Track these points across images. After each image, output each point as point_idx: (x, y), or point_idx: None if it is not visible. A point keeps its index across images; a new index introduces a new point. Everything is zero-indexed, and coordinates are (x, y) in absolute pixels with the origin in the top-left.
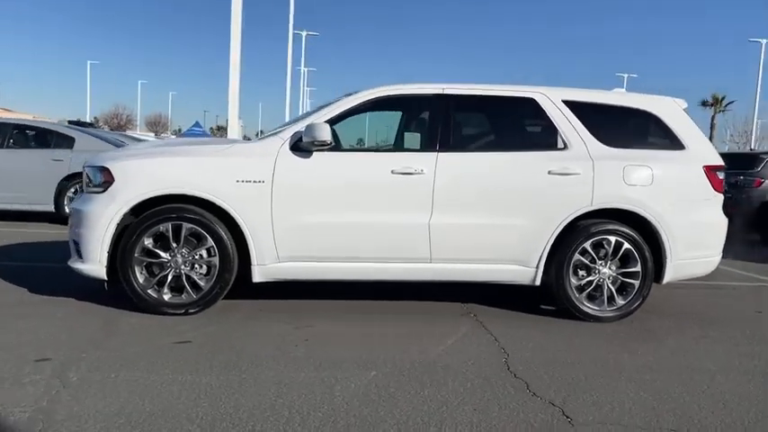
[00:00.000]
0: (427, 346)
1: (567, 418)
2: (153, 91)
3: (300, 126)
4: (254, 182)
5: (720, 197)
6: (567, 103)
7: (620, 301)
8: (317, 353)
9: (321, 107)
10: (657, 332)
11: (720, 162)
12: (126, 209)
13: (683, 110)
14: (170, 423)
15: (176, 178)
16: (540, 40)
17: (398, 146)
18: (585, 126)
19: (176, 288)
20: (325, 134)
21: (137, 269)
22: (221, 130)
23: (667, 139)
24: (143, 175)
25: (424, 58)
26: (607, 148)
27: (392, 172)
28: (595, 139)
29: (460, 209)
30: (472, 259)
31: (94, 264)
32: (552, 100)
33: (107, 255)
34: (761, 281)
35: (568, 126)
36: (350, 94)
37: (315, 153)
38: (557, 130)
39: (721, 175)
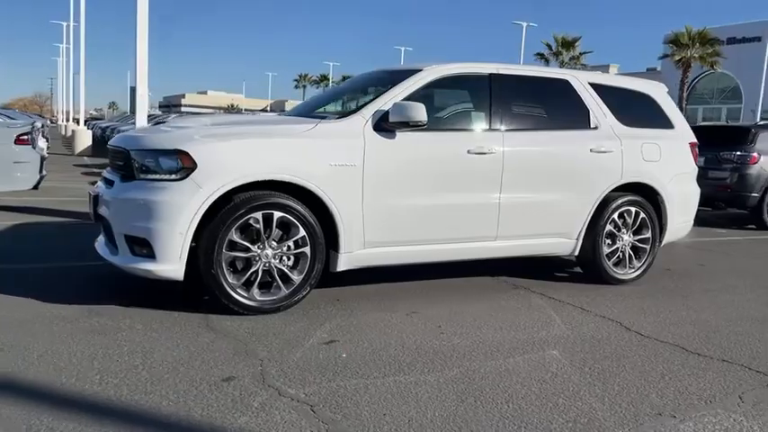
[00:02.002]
0: (539, 322)
1: (760, 372)
2: None
3: (381, 104)
4: (347, 165)
5: (697, 169)
6: (592, 85)
7: (636, 264)
8: (472, 338)
9: (386, 85)
10: (671, 290)
11: (695, 139)
12: (214, 198)
13: (666, 93)
14: (484, 425)
15: (272, 163)
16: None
17: (467, 125)
18: (608, 107)
19: (262, 284)
20: (422, 114)
21: (224, 266)
22: None
23: (662, 119)
24: (233, 159)
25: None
26: (626, 127)
27: (468, 152)
28: (616, 120)
29: (523, 186)
30: (529, 234)
31: (173, 263)
32: (581, 82)
33: (188, 252)
34: None
35: (596, 107)
36: (414, 72)
37: (398, 133)
38: (588, 111)
39: (697, 151)
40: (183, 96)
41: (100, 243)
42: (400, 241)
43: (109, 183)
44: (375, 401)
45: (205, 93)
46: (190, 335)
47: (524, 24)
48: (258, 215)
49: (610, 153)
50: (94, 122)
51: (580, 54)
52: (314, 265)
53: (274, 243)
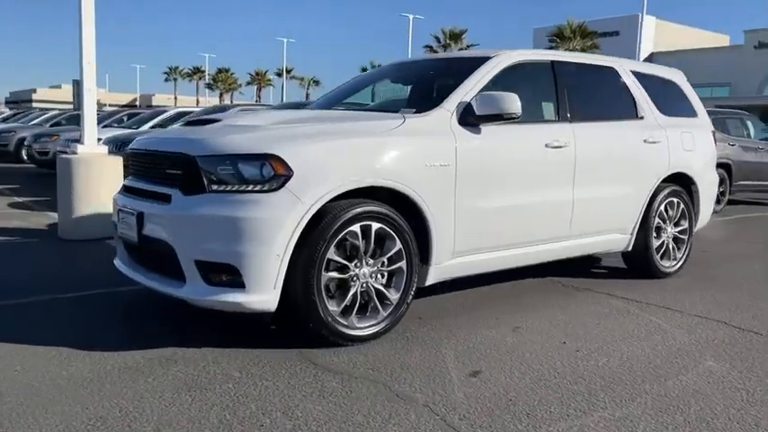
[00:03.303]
0: (651, 329)
1: None
2: None
3: (462, 96)
4: (442, 165)
5: (716, 158)
6: (633, 72)
7: (678, 255)
8: (615, 356)
9: (445, 74)
10: (714, 279)
11: (713, 127)
12: (314, 211)
13: (686, 79)
14: None
15: (371, 166)
16: None
17: (539, 117)
18: (648, 95)
19: (357, 308)
20: (517, 105)
21: (323, 291)
22: None
23: (688, 107)
24: (331, 163)
25: None
26: (665, 116)
27: (546, 145)
28: (656, 108)
29: (592, 181)
30: (593, 232)
31: (266, 292)
32: (625, 69)
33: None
34: None
35: (641, 95)
36: (483, 59)
37: (482, 127)
38: (635, 100)
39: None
40: (35, 91)
41: (131, 269)
42: (487, 247)
43: (155, 197)
44: None
45: (59, 87)
46: (309, 380)
47: (411, 17)
48: (356, 228)
49: (658, 144)
50: None
51: (468, 46)
52: (410, 280)
53: (371, 259)
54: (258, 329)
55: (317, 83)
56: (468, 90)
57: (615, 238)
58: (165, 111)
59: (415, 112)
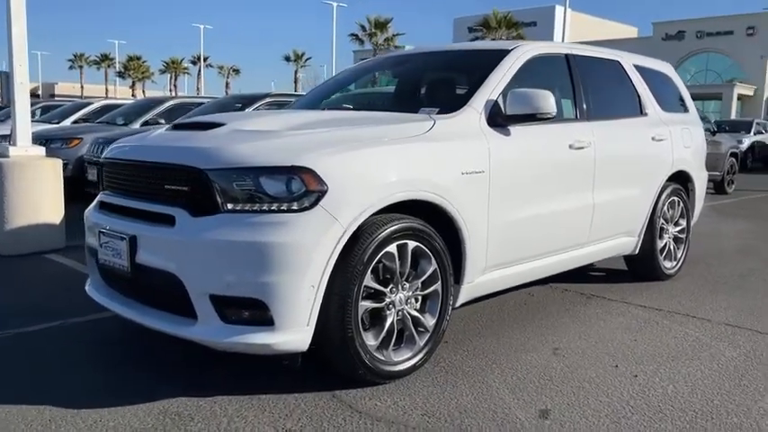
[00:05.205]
0: (693, 345)
1: None
2: None
3: (488, 94)
4: (477, 172)
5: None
6: (636, 67)
7: (678, 255)
8: (676, 382)
9: (457, 70)
10: (718, 280)
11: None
12: (352, 231)
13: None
14: None
15: (408, 177)
16: None
17: (560, 116)
18: (650, 90)
19: (393, 339)
20: (551, 104)
21: (360, 324)
22: None
23: (681, 102)
24: (367, 175)
25: None
26: (665, 113)
27: (570, 147)
28: (658, 104)
29: (608, 183)
30: (607, 236)
31: (299, 330)
32: (628, 63)
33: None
34: None
35: (643, 91)
36: (500, 53)
37: (511, 129)
38: (639, 96)
39: None
40: None
41: (112, 300)
42: (516, 260)
43: (152, 218)
44: None
45: None
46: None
47: (334, 5)
48: (393, 248)
49: (664, 141)
50: None
51: (394, 35)
52: (446, 303)
53: (406, 283)
54: (268, 366)
55: (236, 71)
56: (494, 87)
57: (625, 241)
58: (90, 103)
59: (438, 112)
